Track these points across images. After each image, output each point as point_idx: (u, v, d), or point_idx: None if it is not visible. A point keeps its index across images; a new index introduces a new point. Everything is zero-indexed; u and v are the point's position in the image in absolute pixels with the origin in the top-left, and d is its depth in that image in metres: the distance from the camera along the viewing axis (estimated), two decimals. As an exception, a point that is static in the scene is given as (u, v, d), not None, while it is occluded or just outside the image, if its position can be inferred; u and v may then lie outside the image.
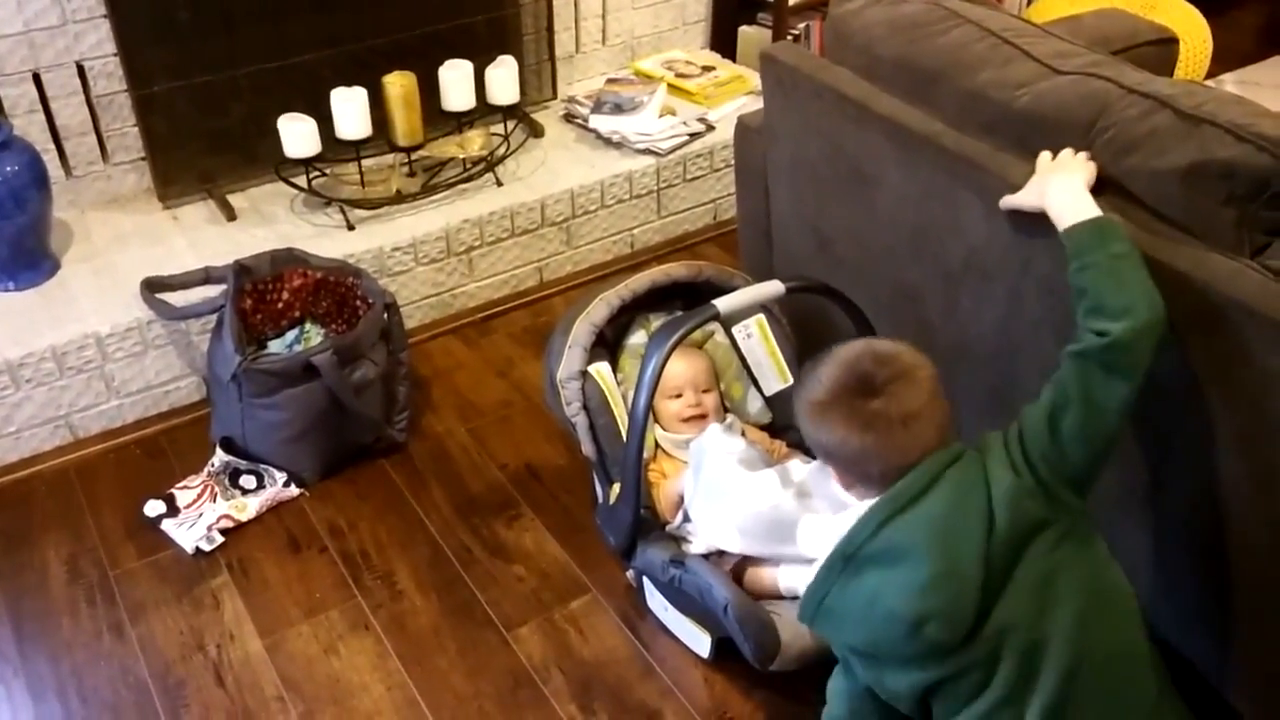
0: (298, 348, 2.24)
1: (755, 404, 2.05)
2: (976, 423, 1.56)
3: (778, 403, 2.03)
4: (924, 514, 1.33)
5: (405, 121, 2.60)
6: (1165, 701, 1.40)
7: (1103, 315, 1.34)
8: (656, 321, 2.05)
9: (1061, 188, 1.47)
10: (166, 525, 2.11)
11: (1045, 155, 1.55)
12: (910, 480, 1.34)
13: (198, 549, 2.06)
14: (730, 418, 2.00)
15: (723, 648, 1.81)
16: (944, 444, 1.37)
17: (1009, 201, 1.55)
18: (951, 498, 1.33)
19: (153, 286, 2.26)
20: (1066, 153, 1.54)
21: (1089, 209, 1.42)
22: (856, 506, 1.40)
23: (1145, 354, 1.34)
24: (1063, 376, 1.37)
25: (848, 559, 1.36)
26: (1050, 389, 1.37)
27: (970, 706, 1.35)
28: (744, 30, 3.38)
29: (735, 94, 3.10)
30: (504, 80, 2.72)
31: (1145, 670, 1.39)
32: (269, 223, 2.59)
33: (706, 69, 3.18)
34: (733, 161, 2.39)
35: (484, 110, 2.76)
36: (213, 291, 2.24)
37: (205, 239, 2.52)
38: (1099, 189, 1.48)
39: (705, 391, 1.98)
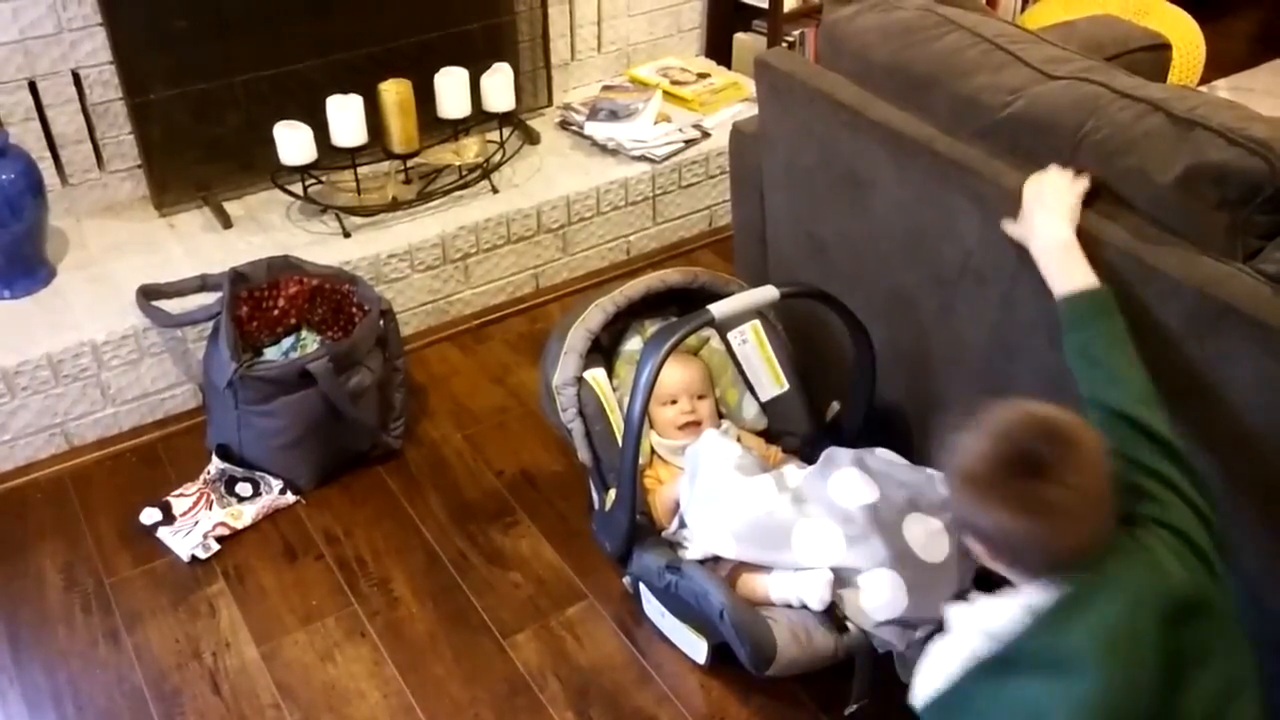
0: (294, 355, 2.24)
1: (751, 410, 2.04)
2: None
3: (773, 408, 2.03)
4: (1096, 619, 1.18)
5: (401, 129, 2.60)
6: None
7: (1109, 402, 1.34)
8: (652, 327, 2.05)
9: (1047, 240, 1.46)
10: (162, 533, 2.11)
11: (1030, 186, 1.51)
12: (1082, 583, 1.20)
13: (193, 557, 2.06)
14: (726, 423, 2.00)
15: (719, 653, 1.81)
16: (1111, 526, 1.22)
17: (1006, 230, 1.56)
18: (1125, 598, 1.19)
19: (149, 294, 2.26)
20: (1052, 175, 1.51)
21: (1077, 275, 1.41)
22: (1010, 595, 1.25)
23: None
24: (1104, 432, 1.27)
25: (1007, 663, 1.21)
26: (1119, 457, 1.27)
27: None
28: (739, 37, 3.39)
29: (730, 101, 3.11)
30: (500, 87, 2.73)
31: None
32: (265, 230, 2.59)
33: (702, 76, 3.18)
34: (728, 168, 2.40)
35: (480, 117, 2.76)
36: (209, 299, 2.24)
37: (201, 246, 2.52)
38: (1091, 197, 1.48)
39: (700, 398, 1.98)
